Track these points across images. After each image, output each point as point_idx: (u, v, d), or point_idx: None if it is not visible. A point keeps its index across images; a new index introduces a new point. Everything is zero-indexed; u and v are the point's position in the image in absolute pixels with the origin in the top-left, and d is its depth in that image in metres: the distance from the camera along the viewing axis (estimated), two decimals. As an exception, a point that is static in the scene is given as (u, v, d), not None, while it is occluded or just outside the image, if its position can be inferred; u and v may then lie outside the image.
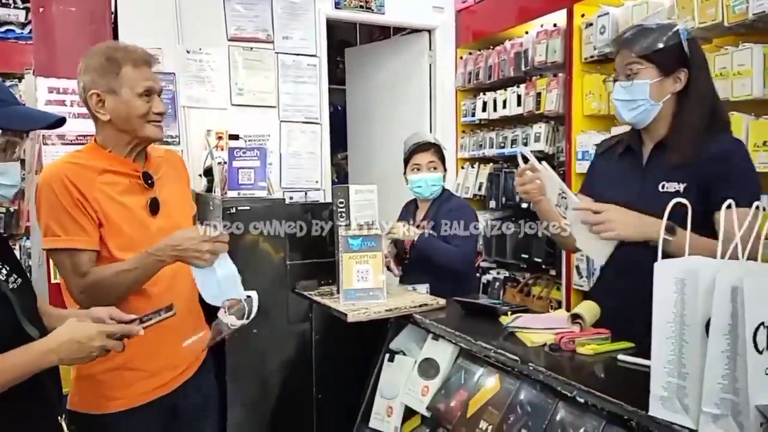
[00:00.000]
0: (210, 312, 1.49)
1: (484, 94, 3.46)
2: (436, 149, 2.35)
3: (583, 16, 2.71)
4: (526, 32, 3.16)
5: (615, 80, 1.52)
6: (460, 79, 3.69)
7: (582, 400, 1.14)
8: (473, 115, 3.56)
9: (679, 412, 0.96)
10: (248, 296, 1.41)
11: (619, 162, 1.60)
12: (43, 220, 1.43)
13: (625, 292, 1.45)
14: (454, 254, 2.18)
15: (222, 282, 1.37)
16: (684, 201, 1.04)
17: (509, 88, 3.26)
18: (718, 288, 0.89)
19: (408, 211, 2.46)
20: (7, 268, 1.16)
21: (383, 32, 4.64)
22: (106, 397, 1.46)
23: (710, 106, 1.48)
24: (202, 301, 1.48)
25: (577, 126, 2.79)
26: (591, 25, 2.65)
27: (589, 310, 1.44)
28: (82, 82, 1.48)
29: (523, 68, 3.15)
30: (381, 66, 4.01)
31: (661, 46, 1.44)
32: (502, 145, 3.31)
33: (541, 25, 3.02)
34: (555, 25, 2.93)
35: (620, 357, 1.27)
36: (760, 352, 0.87)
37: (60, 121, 1.22)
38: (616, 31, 2.51)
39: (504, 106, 3.30)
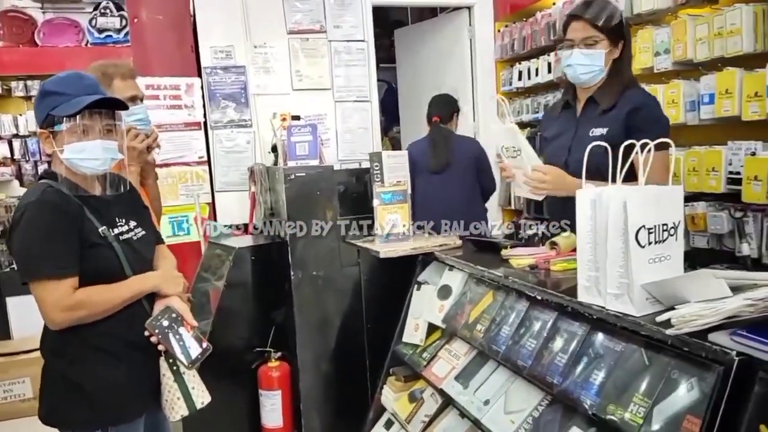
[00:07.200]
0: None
1: (520, 63, 3.74)
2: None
3: (601, -15, 2.92)
4: (554, 3, 3.40)
5: (571, 47, 1.83)
6: (498, 51, 3.97)
7: (540, 298, 1.52)
8: (511, 84, 3.85)
9: (596, 296, 1.32)
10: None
11: (559, 117, 2.01)
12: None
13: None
14: None
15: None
16: (604, 144, 1.38)
17: (541, 57, 3.52)
18: (614, 203, 1.24)
19: None
20: (134, 223, 1.57)
21: (432, 11, 4.98)
22: None
23: (629, 69, 1.87)
24: None
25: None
26: (608, -6, 2.87)
27: (565, 239, 1.80)
28: None
29: (552, 37, 3.40)
30: (426, 44, 4.36)
31: (615, 22, 1.78)
32: (537, 110, 3.59)
33: (567, -4, 3.26)
34: (578, -5, 3.16)
35: (581, 270, 1.62)
36: (642, 247, 1.22)
37: (104, 101, 1.44)
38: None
39: (537, 74, 3.57)
